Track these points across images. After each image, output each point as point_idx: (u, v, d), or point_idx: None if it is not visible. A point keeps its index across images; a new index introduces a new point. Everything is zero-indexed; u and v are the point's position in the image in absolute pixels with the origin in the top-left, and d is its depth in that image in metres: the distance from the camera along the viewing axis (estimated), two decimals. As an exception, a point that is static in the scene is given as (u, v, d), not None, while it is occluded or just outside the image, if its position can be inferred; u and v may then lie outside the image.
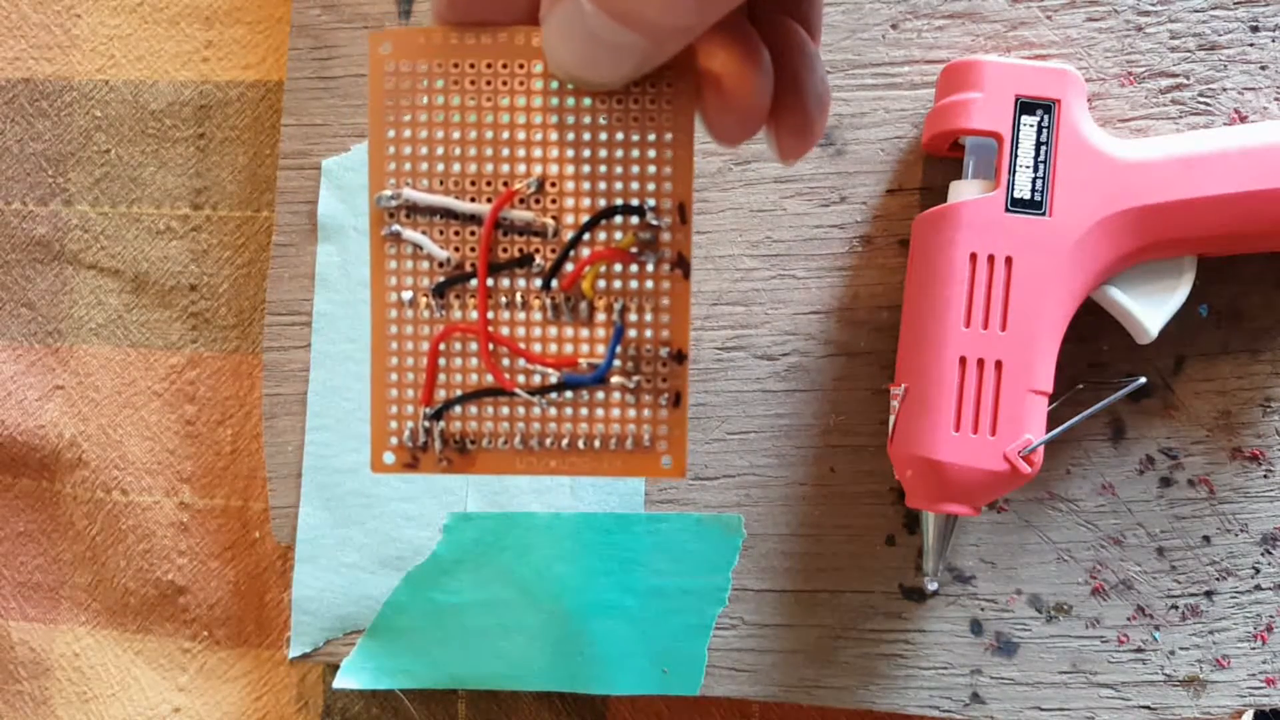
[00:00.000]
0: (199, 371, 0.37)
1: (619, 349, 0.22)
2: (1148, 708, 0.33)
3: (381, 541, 0.35)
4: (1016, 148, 0.30)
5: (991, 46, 0.34)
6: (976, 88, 0.31)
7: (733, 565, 0.34)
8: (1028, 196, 0.30)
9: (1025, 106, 0.30)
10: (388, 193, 0.22)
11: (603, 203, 0.22)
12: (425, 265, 0.22)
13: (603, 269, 0.22)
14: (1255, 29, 0.33)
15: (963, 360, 0.30)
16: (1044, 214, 0.30)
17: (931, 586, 0.33)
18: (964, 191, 0.31)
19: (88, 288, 0.37)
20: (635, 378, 0.22)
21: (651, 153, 0.22)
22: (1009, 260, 0.30)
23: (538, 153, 0.22)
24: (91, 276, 0.37)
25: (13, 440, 0.37)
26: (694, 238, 0.30)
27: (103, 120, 0.37)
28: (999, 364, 0.30)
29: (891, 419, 0.32)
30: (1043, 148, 0.30)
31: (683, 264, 0.22)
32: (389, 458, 0.23)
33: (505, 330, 0.22)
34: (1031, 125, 0.30)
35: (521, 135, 0.22)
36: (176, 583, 0.37)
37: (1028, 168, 0.30)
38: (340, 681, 0.35)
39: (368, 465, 0.35)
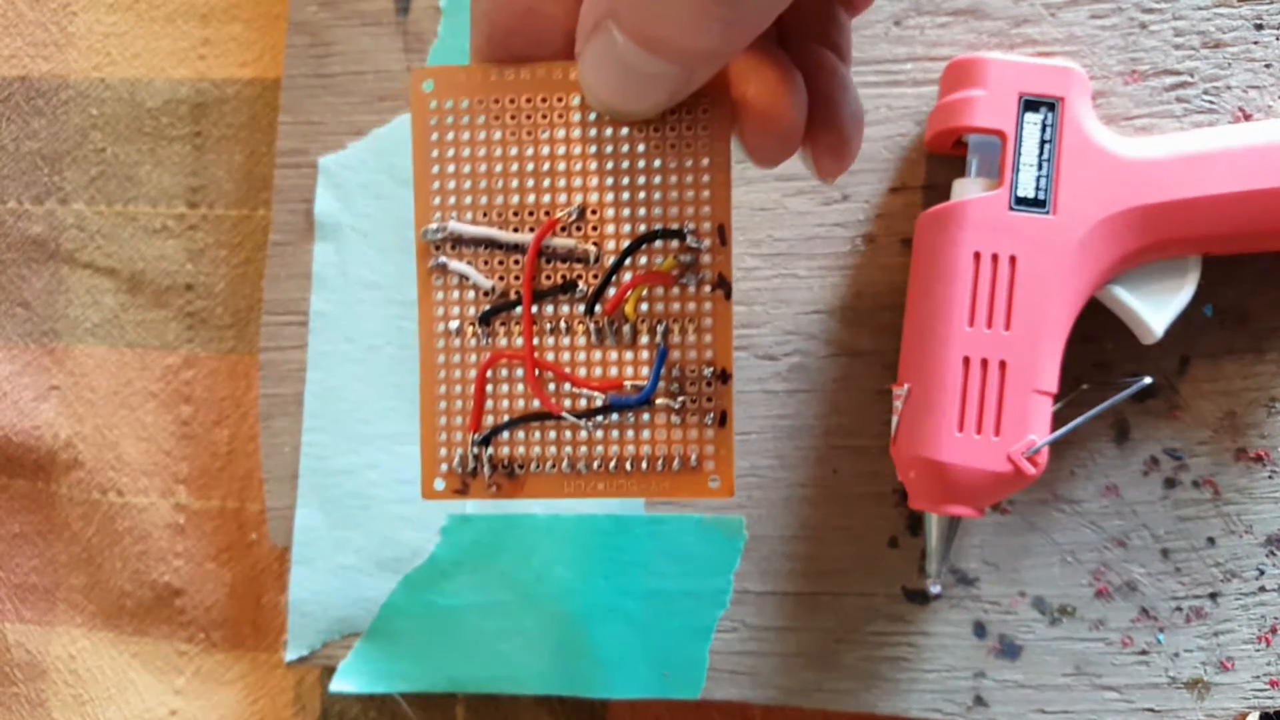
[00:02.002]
0: (195, 372, 0.37)
1: (663, 370, 0.23)
2: (1152, 710, 0.33)
3: (379, 543, 0.35)
4: (1020, 146, 0.30)
5: (995, 44, 0.33)
6: (980, 85, 0.30)
7: (734, 567, 0.34)
8: (1031, 195, 0.30)
9: (1029, 104, 0.30)
10: (433, 226, 0.23)
11: (643, 228, 0.22)
12: (471, 295, 0.23)
13: (645, 292, 0.23)
14: (1259, 27, 0.33)
15: (966, 360, 0.30)
16: (1048, 213, 0.30)
17: (934, 589, 0.33)
18: (967, 190, 0.31)
19: (83, 287, 0.37)
20: (680, 398, 0.23)
21: (689, 178, 0.22)
22: (1013, 259, 0.30)
23: (578, 182, 0.22)
24: (87, 276, 0.37)
25: (8, 441, 0.37)
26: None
27: (98, 118, 0.37)
28: (1003, 364, 0.30)
29: (894, 419, 0.32)
30: (1046, 146, 0.30)
31: (724, 285, 0.23)
32: (439, 484, 0.23)
33: (550, 355, 0.23)
34: (1035, 123, 0.30)
35: (562, 166, 0.22)
36: (173, 585, 0.37)
37: (1031, 166, 0.30)
38: (337, 685, 0.35)
39: (366, 466, 0.35)
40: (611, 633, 0.34)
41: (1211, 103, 0.33)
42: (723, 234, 0.23)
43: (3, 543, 0.38)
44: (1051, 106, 0.30)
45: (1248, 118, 0.33)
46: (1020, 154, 0.30)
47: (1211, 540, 0.33)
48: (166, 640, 0.37)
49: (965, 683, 0.34)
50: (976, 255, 0.30)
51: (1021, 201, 0.30)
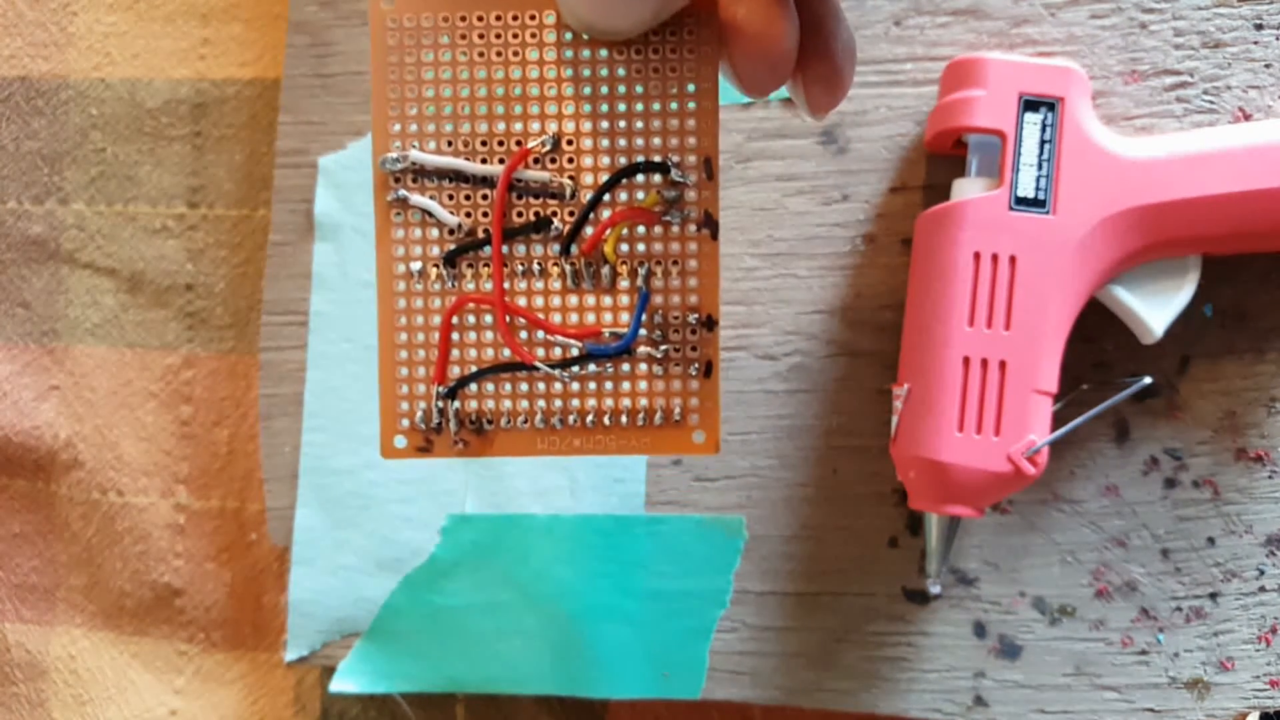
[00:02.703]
0: (195, 372, 0.37)
1: (645, 316, 0.21)
2: (1152, 710, 0.33)
3: (379, 543, 0.35)
4: (1020, 146, 0.30)
5: (995, 43, 0.33)
6: (980, 85, 0.30)
7: (734, 567, 0.34)
8: (1031, 195, 0.30)
9: (1029, 104, 0.30)
10: (393, 155, 0.21)
11: (623, 160, 0.21)
12: (434, 233, 0.21)
13: (625, 231, 0.21)
14: (1259, 26, 0.33)
15: (966, 360, 0.30)
16: (1048, 213, 0.30)
17: (934, 589, 0.33)
18: (967, 190, 0.31)
19: (83, 287, 0.37)
20: (663, 347, 0.21)
21: (674, 105, 0.21)
22: (1013, 259, 0.30)
23: (552, 109, 0.21)
24: (87, 276, 0.37)
25: (8, 441, 0.37)
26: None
27: (98, 118, 0.37)
28: (1003, 364, 0.30)
29: (894, 419, 0.32)
30: (1046, 146, 0.30)
31: (710, 223, 0.21)
32: (400, 441, 0.22)
33: (522, 300, 0.21)
34: (1035, 123, 0.30)
35: (534, 90, 0.21)
36: (173, 585, 0.37)
37: (1031, 166, 0.30)
38: (336, 685, 0.35)
39: (366, 466, 0.35)
40: (611, 633, 0.34)
41: (1211, 103, 0.33)
42: (710, 167, 0.21)
43: (3, 543, 0.38)
44: (1051, 106, 0.30)
45: (1248, 118, 0.33)
46: (1020, 154, 0.30)
47: (1211, 540, 0.33)
48: (166, 640, 0.37)
49: (965, 683, 0.34)
50: (976, 255, 0.30)
51: (1021, 201, 0.30)
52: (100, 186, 0.37)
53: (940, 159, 0.34)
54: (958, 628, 0.34)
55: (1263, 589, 0.33)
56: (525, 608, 0.35)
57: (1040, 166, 0.30)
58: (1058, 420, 0.31)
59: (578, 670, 0.34)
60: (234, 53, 0.37)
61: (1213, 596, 0.33)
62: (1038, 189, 0.30)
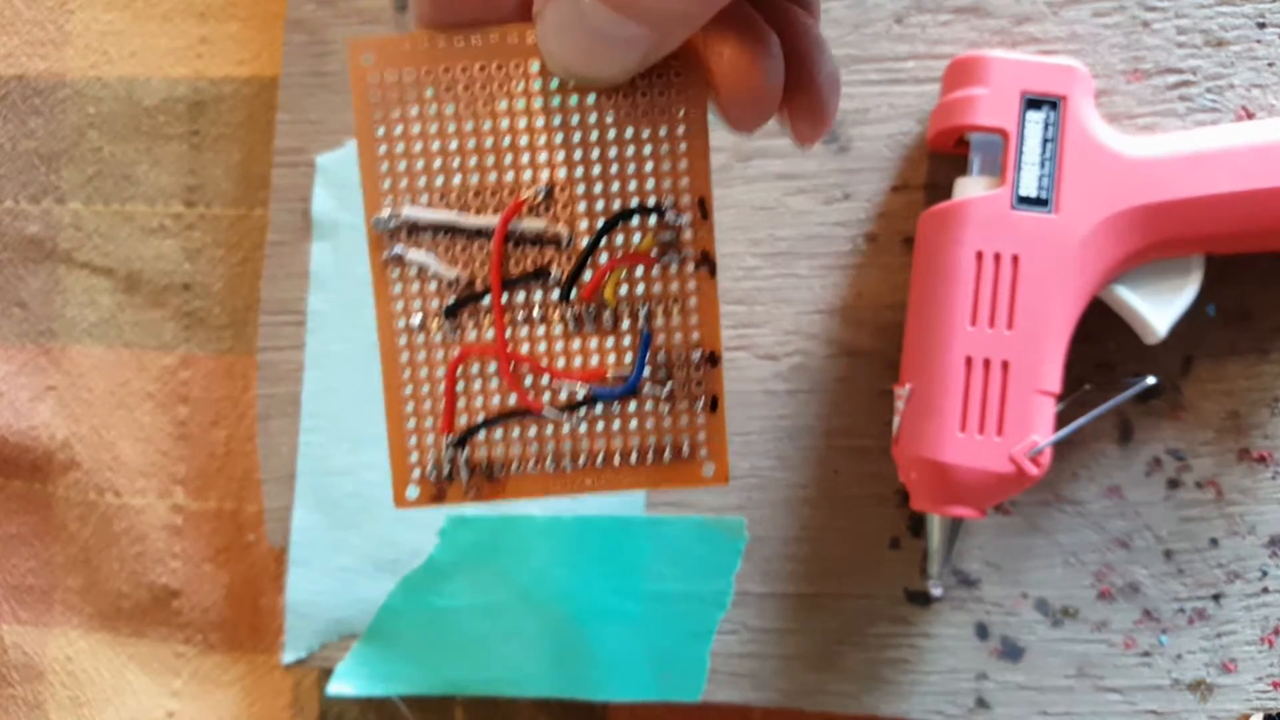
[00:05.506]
0: (192, 372, 0.37)
1: (648, 356, 0.21)
2: (1154, 712, 0.33)
3: (377, 544, 0.35)
4: (1022, 144, 0.30)
5: (997, 42, 0.33)
6: (982, 83, 0.30)
7: (735, 569, 0.34)
8: (1034, 194, 0.30)
9: (1031, 103, 0.30)
10: (385, 214, 0.21)
11: (617, 205, 0.21)
12: (433, 286, 0.21)
13: (623, 274, 0.21)
14: (1262, 25, 0.33)
15: (969, 360, 0.30)
16: (1050, 212, 0.30)
17: (936, 590, 0.33)
18: (969, 188, 0.31)
19: (80, 287, 0.37)
20: (668, 385, 0.21)
21: (665, 147, 0.21)
22: (1015, 259, 0.30)
23: (543, 157, 0.21)
24: (84, 276, 0.37)
25: (4, 442, 0.37)
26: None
27: (95, 117, 0.37)
28: (1005, 364, 0.30)
29: (896, 420, 0.31)
30: (1049, 144, 0.30)
31: (708, 262, 0.21)
32: (413, 492, 0.22)
33: (525, 348, 0.21)
34: (1038, 122, 0.30)
35: (524, 140, 0.21)
36: (170, 586, 0.37)
37: (1034, 165, 0.30)
38: (334, 687, 0.35)
39: (364, 466, 0.35)
40: (611, 635, 0.34)
41: (1214, 101, 0.33)
42: (704, 207, 0.21)
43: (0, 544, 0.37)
44: (1054, 105, 0.30)
45: (1251, 116, 0.32)
46: (1022, 153, 0.30)
47: (1214, 541, 0.33)
48: (164, 642, 0.37)
49: (967, 684, 0.33)
50: (979, 254, 0.30)
51: (1024, 200, 0.30)
52: (97, 186, 0.37)
53: (942, 158, 0.34)
54: (960, 629, 0.34)
55: (1266, 590, 0.33)
56: (524, 609, 0.34)
57: (1043, 165, 0.30)
58: (1060, 421, 0.31)
59: (577, 672, 0.34)
60: (231, 51, 0.37)
61: (1216, 598, 0.33)
62: (1040, 188, 0.30)
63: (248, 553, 0.37)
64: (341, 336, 0.35)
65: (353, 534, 0.35)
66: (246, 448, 0.36)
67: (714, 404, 0.22)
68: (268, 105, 0.37)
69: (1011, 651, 0.33)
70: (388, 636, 0.35)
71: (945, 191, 0.33)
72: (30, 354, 0.37)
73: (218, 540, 0.37)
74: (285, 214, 0.35)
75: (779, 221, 0.34)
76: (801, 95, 0.21)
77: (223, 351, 0.37)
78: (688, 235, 0.21)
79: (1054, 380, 0.30)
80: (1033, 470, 0.30)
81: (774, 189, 0.34)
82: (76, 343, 0.37)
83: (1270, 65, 0.32)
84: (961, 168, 0.32)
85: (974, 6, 0.33)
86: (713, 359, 0.22)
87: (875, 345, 0.34)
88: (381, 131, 0.21)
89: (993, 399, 0.30)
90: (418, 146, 0.21)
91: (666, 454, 0.22)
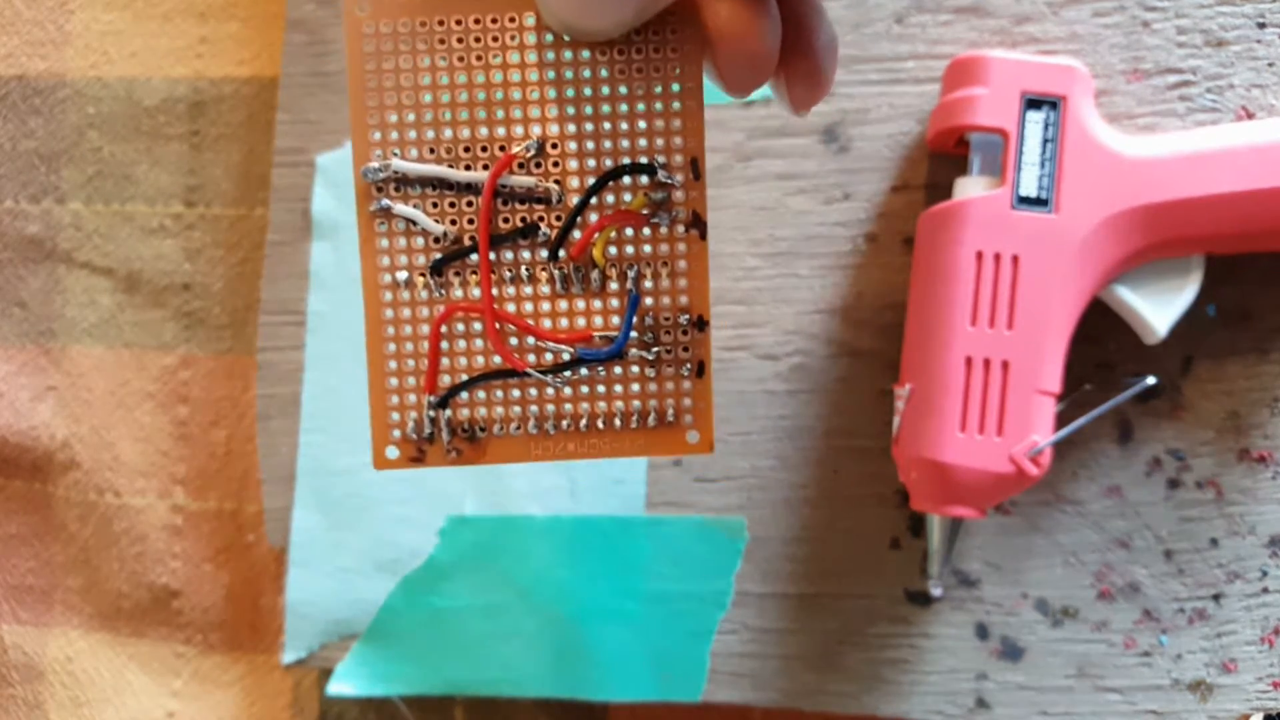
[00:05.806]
0: (192, 372, 0.37)
1: (635, 319, 0.21)
2: (1154, 713, 0.33)
3: (377, 545, 0.35)
4: (1022, 144, 0.30)
5: (997, 41, 0.33)
6: (982, 83, 0.30)
7: (735, 569, 0.34)
8: (1034, 194, 0.30)
9: (1031, 103, 0.30)
10: (374, 164, 0.21)
11: (609, 163, 0.21)
12: (420, 242, 0.21)
13: (613, 234, 0.21)
14: (1262, 25, 0.33)
15: (969, 360, 0.30)
16: (1050, 212, 0.30)
17: (936, 590, 0.33)
18: (969, 188, 0.31)
19: (80, 287, 0.37)
20: (654, 349, 0.21)
21: (658, 105, 0.20)
22: (1015, 259, 0.30)
23: (535, 112, 0.20)
24: (84, 276, 0.37)
25: (4, 442, 0.37)
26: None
27: (95, 117, 0.37)
28: (1005, 364, 0.30)
29: (896, 420, 0.31)
30: (1049, 145, 0.30)
31: (699, 224, 0.21)
32: (392, 452, 0.21)
33: (511, 307, 0.21)
34: (1038, 122, 0.30)
35: (516, 94, 0.20)
36: (170, 586, 0.37)
37: (1034, 165, 0.30)
38: (334, 687, 0.35)
39: (364, 467, 0.35)
40: (611, 635, 0.34)
41: (1214, 101, 0.33)
42: (696, 167, 0.21)
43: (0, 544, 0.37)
44: (1054, 105, 0.30)
45: (1251, 116, 0.32)
46: (1022, 153, 0.30)
47: (1214, 541, 0.33)
48: (164, 642, 0.37)
49: (967, 685, 0.33)
50: (979, 254, 0.30)
51: (1024, 200, 0.30)
52: (97, 186, 0.37)
53: (942, 158, 0.34)
54: (960, 629, 0.34)
55: (1266, 590, 0.33)
56: (524, 610, 0.34)
57: (1043, 165, 0.30)
58: (1060, 421, 0.31)
59: (577, 673, 0.34)
60: (231, 51, 0.37)
61: (1216, 598, 0.33)
62: (1040, 188, 0.30)
63: (248, 553, 0.37)
64: (341, 336, 0.35)
65: (353, 534, 0.35)
66: (246, 448, 0.36)
67: (700, 369, 0.21)
68: (268, 105, 0.36)
69: (1011, 651, 0.33)
70: (388, 637, 0.35)
71: (945, 191, 0.33)
72: (30, 354, 0.37)
73: (218, 540, 0.37)
74: (285, 214, 0.35)
75: (779, 221, 0.34)
76: (799, 60, 0.21)
77: (223, 351, 0.37)
78: (679, 196, 0.21)
79: (1054, 380, 0.30)
80: (1033, 470, 0.30)
81: (774, 189, 0.34)
82: (76, 343, 0.37)
83: (1270, 65, 0.32)
84: (961, 168, 0.32)
85: (974, 6, 0.33)
86: (700, 323, 0.21)
87: (875, 345, 0.34)
88: (374, 82, 0.21)
89: (993, 399, 0.30)
90: (409, 98, 0.21)
91: (651, 419, 0.21)
